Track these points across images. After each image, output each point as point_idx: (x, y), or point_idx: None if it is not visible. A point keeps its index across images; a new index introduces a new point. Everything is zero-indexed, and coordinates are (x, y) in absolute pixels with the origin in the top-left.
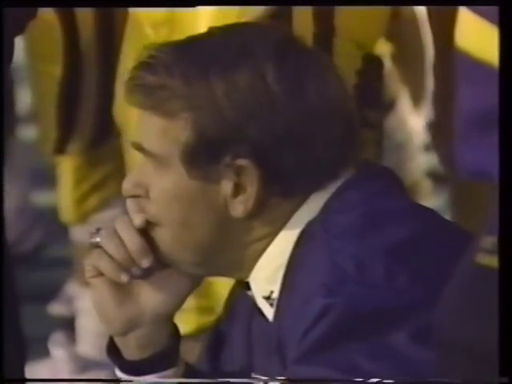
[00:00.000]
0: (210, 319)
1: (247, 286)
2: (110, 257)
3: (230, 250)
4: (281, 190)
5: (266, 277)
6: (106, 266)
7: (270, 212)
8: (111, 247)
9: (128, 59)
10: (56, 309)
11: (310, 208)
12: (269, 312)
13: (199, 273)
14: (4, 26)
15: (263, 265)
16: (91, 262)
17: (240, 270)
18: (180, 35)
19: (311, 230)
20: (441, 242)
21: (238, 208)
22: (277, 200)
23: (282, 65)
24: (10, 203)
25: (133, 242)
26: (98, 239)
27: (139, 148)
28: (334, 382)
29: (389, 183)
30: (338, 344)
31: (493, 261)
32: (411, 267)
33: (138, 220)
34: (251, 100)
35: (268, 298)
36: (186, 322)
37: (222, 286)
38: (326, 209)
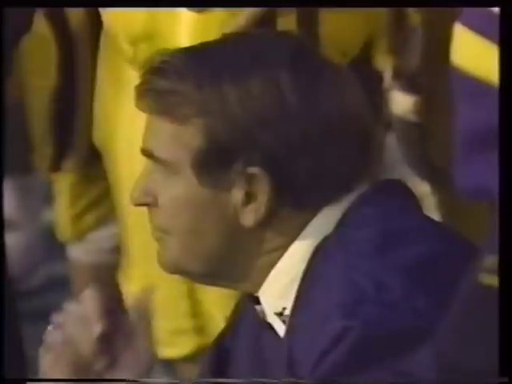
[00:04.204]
0: (205, 339)
1: (256, 301)
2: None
3: (239, 261)
4: (292, 200)
5: (278, 292)
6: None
7: (281, 223)
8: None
9: (104, 76)
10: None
11: (322, 221)
12: (280, 328)
13: (207, 283)
14: (4, 26)
15: (273, 279)
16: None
17: (248, 282)
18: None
19: (326, 246)
20: (458, 260)
21: (249, 217)
22: (288, 211)
23: (297, 73)
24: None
25: (88, 347)
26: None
27: (149, 155)
28: None
29: (405, 199)
30: (357, 367)
31: (495, 280)
32: (429, 286)
33: (98, 329)
34: (264, 107)
35: (280, 315)
36: (183, 344)
37: (213, 304)
38: (341, 224)
